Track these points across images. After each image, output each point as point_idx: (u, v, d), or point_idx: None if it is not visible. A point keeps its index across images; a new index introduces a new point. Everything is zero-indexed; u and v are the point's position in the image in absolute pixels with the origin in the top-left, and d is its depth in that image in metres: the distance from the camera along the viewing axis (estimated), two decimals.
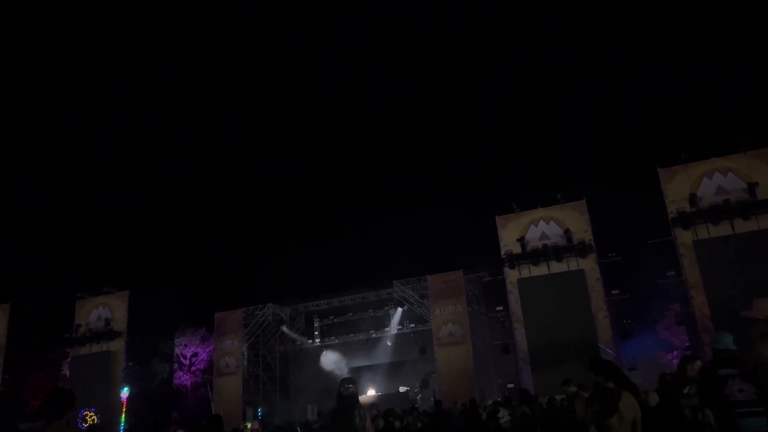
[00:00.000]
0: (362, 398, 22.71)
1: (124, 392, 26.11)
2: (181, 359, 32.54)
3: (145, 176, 54.20)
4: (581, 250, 21.96)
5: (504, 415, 11.21)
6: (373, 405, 9.84)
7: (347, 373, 29.28)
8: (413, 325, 28.26)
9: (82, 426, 24.09)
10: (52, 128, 50.62)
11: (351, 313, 29.89)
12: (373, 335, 29.21)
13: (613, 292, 22.53)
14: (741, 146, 20.28)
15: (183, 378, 32.37)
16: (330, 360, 29.78)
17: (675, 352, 22.89)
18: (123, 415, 25.54)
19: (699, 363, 7.48)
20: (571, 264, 22.24)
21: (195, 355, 32.75)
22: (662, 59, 46.75)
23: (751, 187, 19.54)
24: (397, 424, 12.64)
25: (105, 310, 29.26)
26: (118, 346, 28.26)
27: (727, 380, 4.96)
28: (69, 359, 29.21)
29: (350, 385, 6.25)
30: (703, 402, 5.71)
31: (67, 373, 28.97)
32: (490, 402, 17.55)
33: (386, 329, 28.88)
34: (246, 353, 29.15)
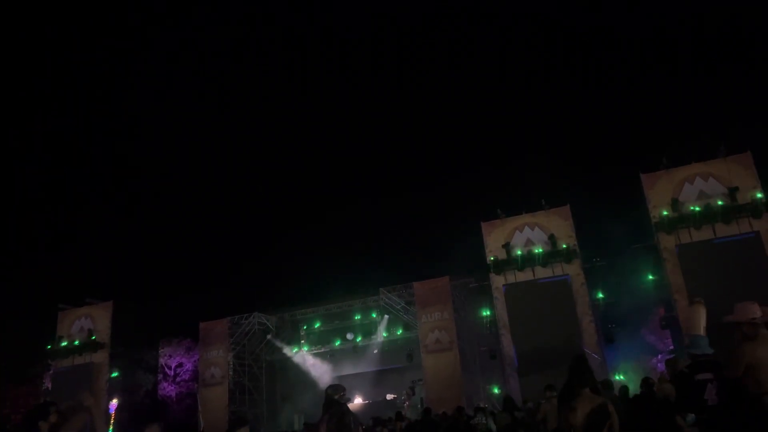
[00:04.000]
0: (350, 406, 22.69)
1: (113, 403, 25.75)
2: (166, 370, 32.16)
3: (128, 186, 53.73)
4: (566, 255, 22.10)
5: (479, 421, 11.15)
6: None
7: (333, 381, 29.15)
8: (400, 332, 28.21)
9: None
10: (31, 136, 50.04)
11: (337, 321, 29.74)
12: (360, 343, 29.10)
13: (598, 296, 22.69)
14: (720, 152, 20.61)
15: (168, 389, 31.98)
16: (316, 369, 29.60)
17: (659, 356, 23.07)
18: (111, 427, 25.16)
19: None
20: (556, 269, 22.38)
21: (180, 365, 32.38)
22: (645, 66, 47.35)
23: (732, 191, 19.84)
24: (383, 430, 12.61)
25: (88, 321, 28.90)
26: (101, 357, 27.89)
27: (706, 384, 5.02)
28: (51, 372, 28.76)
29: (344, 392, 6.23)
30: (681, 406, 5.75)
31: (50, 385, 28.52)
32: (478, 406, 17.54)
33: (373, 337, 28.79)
34: (232, 363, 28.90)
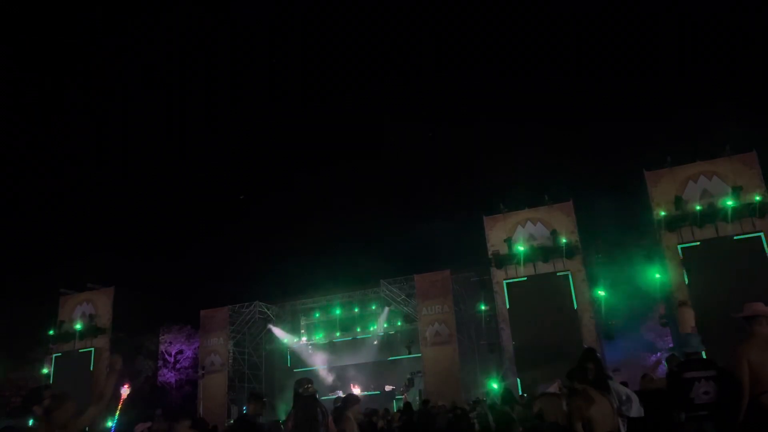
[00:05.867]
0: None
1: (125, 388, 25.82)
2: (166, 356, 32.32)
3: (130, 172, 53.78)
4: (567, 251, 22.12)
5: (479, 413, 11.26)
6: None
7: (333, 371, 29.29)
8: (400, 324, 28.31)
9: None
10: (29, 120, 50.05)
11: (338, 312, 29.85)
12: (360, 334, 29.19)
13: (598, 293, 22.72)
14: (725, 151, 20.58)
15: (167, 375, 32.15)
16: (316, 359, 29.73)
17: (658, 354, 23.11)
18: (117, 412, 25.27)
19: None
20: (558, 265, 22.39)
21: (180, 352, 32.52)
22: (650, 62, 47.16)
23: (736, 191, 19.80)
24: (381, 423, 12.67)
25: (89, 306, 29.02)
26: (102, 343, 28.01)
27: (693, 383, 5.05)
28: (52, 356, 28.92)
29: (309, 385, 6.33)
30: (670, 404, 5.79)
31: (51, 370, 28.70)
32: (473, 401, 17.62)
33: (373, 328, 28.89)
34: (232, 351, 29.05)
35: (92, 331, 28.15)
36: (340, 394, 22.48)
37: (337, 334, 29.66)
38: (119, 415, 25.08)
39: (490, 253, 23.23)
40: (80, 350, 28.16)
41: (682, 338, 5.42)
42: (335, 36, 55.54)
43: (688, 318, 5.53)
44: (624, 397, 5.75)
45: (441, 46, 53.80)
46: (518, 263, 22.75)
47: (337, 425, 6.34)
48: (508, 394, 10.79)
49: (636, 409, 5.66)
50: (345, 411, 6.68)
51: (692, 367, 5.22)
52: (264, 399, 7.54)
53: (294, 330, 30.73)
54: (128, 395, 27.49)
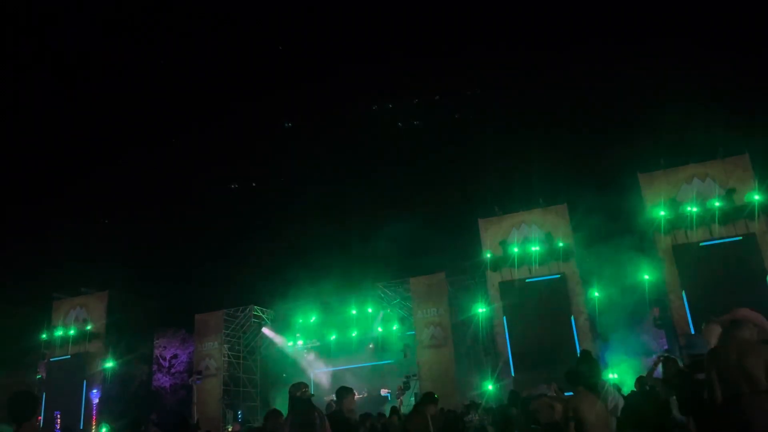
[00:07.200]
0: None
1: (94, 393, 25.89)
2: (161, 361, 32.20)
3: (125, 175, 53.61)
4: (562, 253, 22.18)
5: (472, 418, 11.29)
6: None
7: (328, 375, 29.24)
8: (395, 327, 28.27)
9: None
10: (26, 126, 49.89)
11: (333, 315, 29.79)
12: (355, 338, 29.13)
13: (593, 295, 22.76)
14: (718, 153, 20.70)
15: (162, 380, 32.03)
16: (311, 362, 29.67)
17: (654, 356, 23.13)
18: (93, 419, 25.33)
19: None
20: (552, 267, 22.44)
21: (175, 356, 32.41)
22: (644, 64, 47.35)
23: (729, 193, 19.92)
24: (377, 424, 12.61)
25: (83, 311, 28.87)
26: (96, 347, 27.87)
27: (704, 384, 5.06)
28: (46, 361, 28.76)
29: (305, 389, 6.30)
30: (681, 405, 5.80)
31: (44, 375, 28.54)
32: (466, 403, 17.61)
33: (368, 331, 28.83)
34: (227, 355, 28.96)
35: (86, 335, 28.01)
36: (335, 397, 22.48)
37: (332, 337, 29.59)
38: (98, 419, 25.06)
39: (485, 255, 23.26)
40: (74, 355, 28.01)
41: (688, 341, 5.45)
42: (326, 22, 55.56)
43: (713, 336, 5.48)
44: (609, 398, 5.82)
45: (438, 46, 53.90)
46: (513, 266, 22.78)
47: (413, 419, 6.29)
48: (514, 396, 10.82)
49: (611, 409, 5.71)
50: (422, 408, 6.60)
51: (702, 368, 5.22)
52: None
53: (289, 334, 30.64)
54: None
